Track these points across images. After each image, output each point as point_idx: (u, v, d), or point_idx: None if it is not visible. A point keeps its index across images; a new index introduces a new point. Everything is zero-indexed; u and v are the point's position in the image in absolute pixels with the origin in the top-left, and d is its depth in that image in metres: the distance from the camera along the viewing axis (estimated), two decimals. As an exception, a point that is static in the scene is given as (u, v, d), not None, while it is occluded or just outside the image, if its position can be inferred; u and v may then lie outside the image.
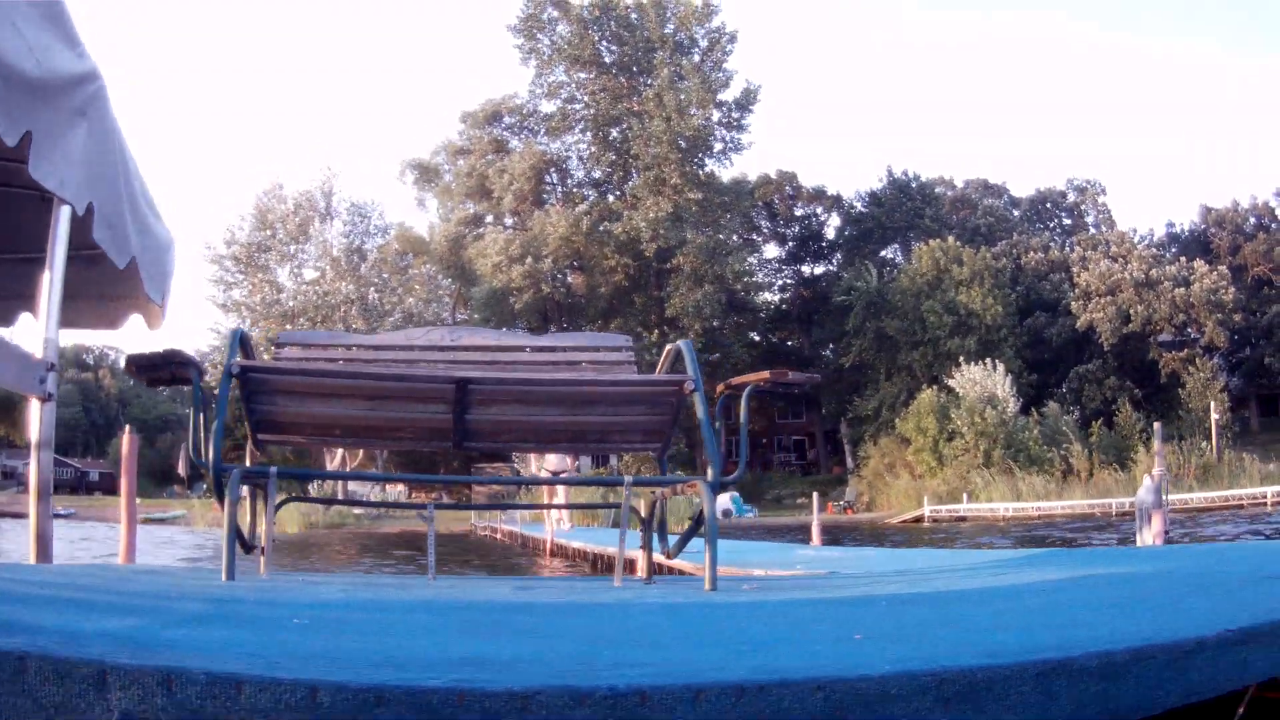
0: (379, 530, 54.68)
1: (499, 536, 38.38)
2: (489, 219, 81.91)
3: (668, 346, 6.82)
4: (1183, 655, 2.40)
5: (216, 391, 5.87)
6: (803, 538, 36.42)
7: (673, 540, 7.12)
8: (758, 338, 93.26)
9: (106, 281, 6.92)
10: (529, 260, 73.88)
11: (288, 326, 65.53)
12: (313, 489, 39.74)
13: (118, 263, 6.13)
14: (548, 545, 26.07)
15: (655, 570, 7.45)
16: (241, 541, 6.45)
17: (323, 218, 71.99)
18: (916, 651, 2.53)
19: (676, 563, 11.16)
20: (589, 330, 79.84)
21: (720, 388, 6.86)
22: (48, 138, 4.75)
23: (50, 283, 5.74)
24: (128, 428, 13.98)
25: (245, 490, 6.76)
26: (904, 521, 51.47)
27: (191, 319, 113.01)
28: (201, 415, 5.86)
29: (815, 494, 23.74)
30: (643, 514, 7.24)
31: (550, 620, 3.89)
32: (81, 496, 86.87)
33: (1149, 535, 10.91)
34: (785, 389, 7.12)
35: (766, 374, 6.52)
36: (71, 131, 5.11)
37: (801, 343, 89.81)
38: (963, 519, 49.62)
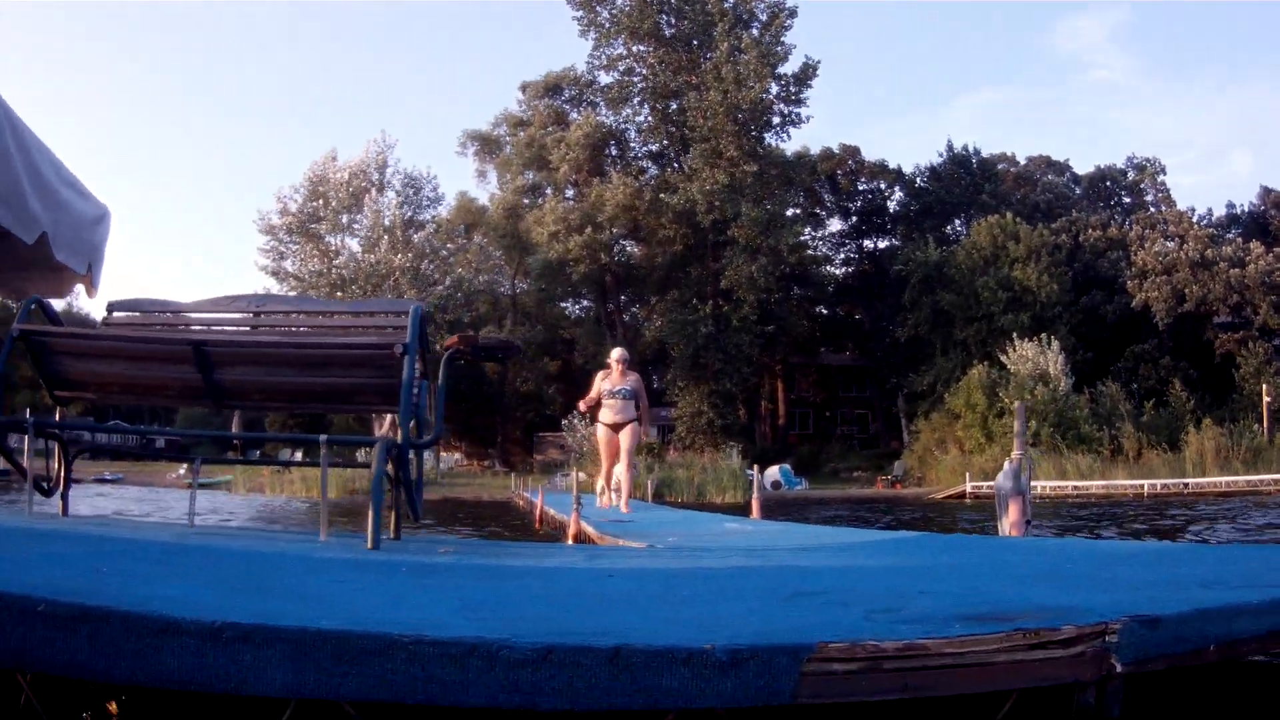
0: (424, 497, 54.65)
1: (521, 504, 38.48)
2: (548, 189, 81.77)
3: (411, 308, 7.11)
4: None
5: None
6: (845, 511, 36.68)
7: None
8: (825, 311, 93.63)
9: (38, 254, 7.07)
10: (587, 230, 73.84)
11: (339, 295, 66.00)
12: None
13: (25, 239, 6.39)
14: (537, 513, 26.25)
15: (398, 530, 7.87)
16: (39, 487, 7.28)
17: (377, 188, 71.97)
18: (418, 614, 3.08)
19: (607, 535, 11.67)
20: (655, 302, 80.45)
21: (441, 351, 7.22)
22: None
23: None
24: None
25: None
26: (947, 497, 51.33)
27: (247, 288, 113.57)
28: None
29: (755, 468, 23.69)
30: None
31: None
32: None
33: (1006, 524, 10.81)
34: (485, 354, 7.54)
35: (456, 338, 7.12)
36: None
37: (864, 316, 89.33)
38: (1004, 496, 49.42)
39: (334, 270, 68.48)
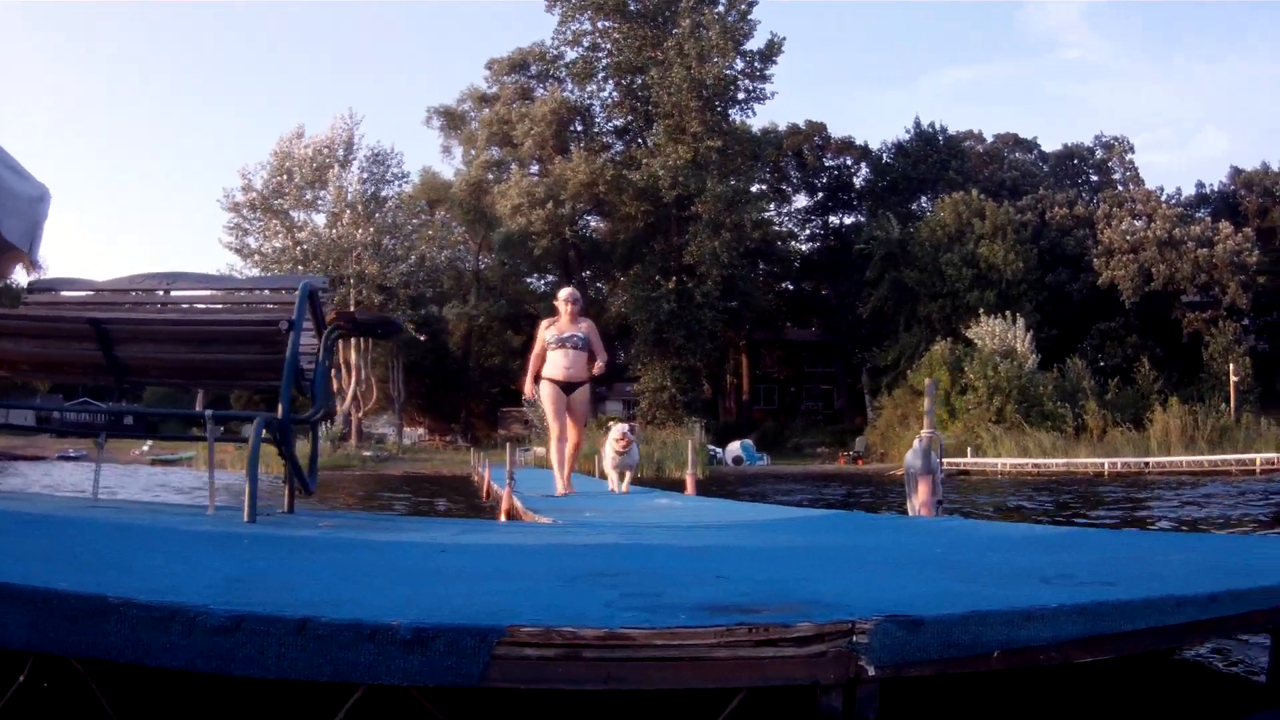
0: (382, 472, 54.78)
1: (477, 479, 38.43)
2: (512, 165, 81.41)
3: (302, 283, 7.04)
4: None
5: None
6: (802, 487, 36.52)
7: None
8: (790, 286, 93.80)
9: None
10: (549, 204, 73.99)
11: (300, 269, 66.16)
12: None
13: None
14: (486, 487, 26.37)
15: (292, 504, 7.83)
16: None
17: (341, 164, 72.14)
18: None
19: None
20: (620, 277, 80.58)
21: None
22: None
23: None
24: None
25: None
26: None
27: (211, 266, 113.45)
28: None
29: (691, 443, 23.26)
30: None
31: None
32: None
33: (916, 503, 10.48)
34: (365, 330, 7.50)
35: (334, 313, 7.17)
36: None
37: (829, 292, 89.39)
38: (965, 473, 49.37)
39: (297, 246, 68.51)
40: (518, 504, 13.07)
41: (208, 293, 8.40)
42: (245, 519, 6.20)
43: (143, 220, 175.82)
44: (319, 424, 7.74)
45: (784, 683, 2.59)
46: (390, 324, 8.37)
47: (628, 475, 15.07)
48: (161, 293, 8.07)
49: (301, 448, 7.86)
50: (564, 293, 13.62)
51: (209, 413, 6.65)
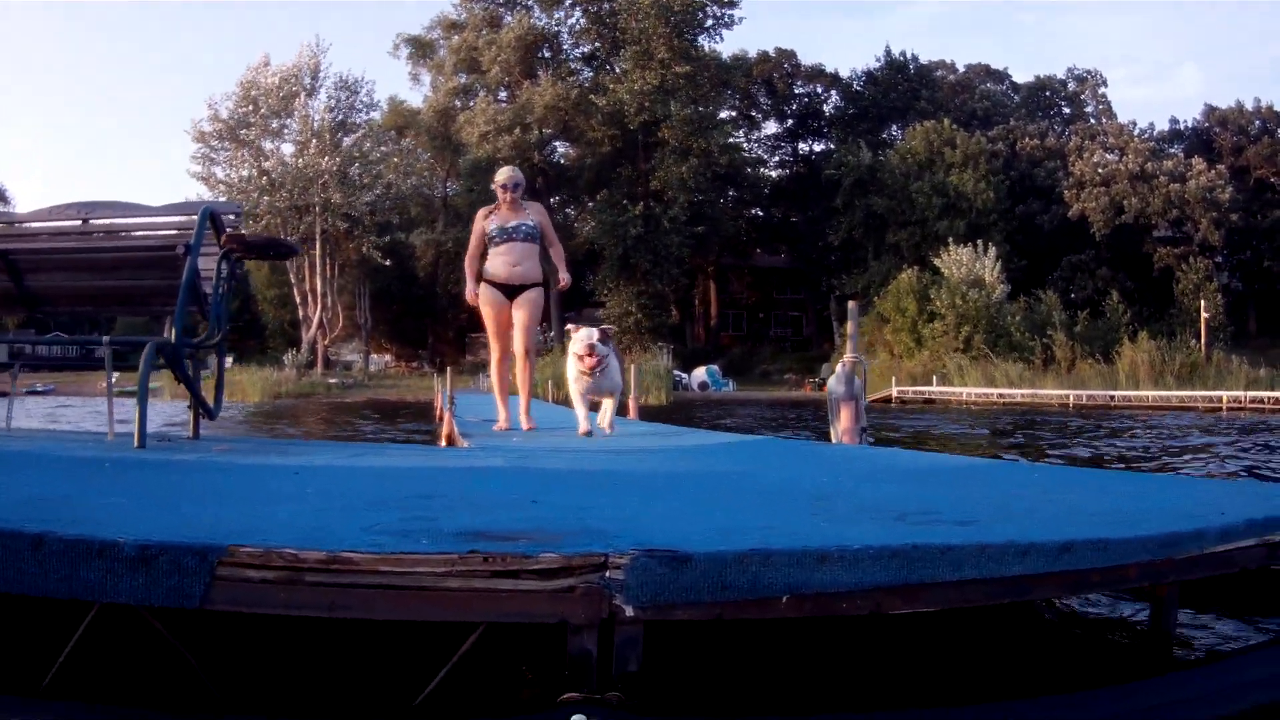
0: (346, 399, 54.53)
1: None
2: (480, 91, 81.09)
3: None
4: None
5: None
6: (760, 413, 36.43)
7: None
8: (760, 213, 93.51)
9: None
10: (516, 130, 73.75)
11: (265, 199, 66.09)
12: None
13: None
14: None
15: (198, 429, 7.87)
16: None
17: (308, 92, 72.31)
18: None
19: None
20: (588, 203, 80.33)
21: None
22: None
23: None
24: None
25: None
26: (873, 400, 51.13)
27: (179, 196, 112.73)
28: None
29: (634, 368, 22.98)
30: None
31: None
32: None
33: (839, 430, 10.23)
34: (257, 253, 7.40)
35: (226, 236, 7.05)
36: None
37: (799, 219, 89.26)
38: (930, 401, 49.54)
39: (263, 176, 68.47)
40: (455, 428, 12.72)
41: (124, 222, 8.20)
42: (135, 445, 6.19)
43: (118, 155, 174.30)
44: (220, 348, 7.54)
45: (526, 619, 2.36)
46: (281, 244, 8.27)
47: (608, 406, 9.77)
48: (79, 223, 7.90)
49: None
50: (502, 174, 10.42)
51: (105, 339, 6.62)
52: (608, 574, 2.32)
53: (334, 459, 6.22)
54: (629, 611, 2.33)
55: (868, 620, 2.69)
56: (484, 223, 10.34)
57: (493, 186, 10.37)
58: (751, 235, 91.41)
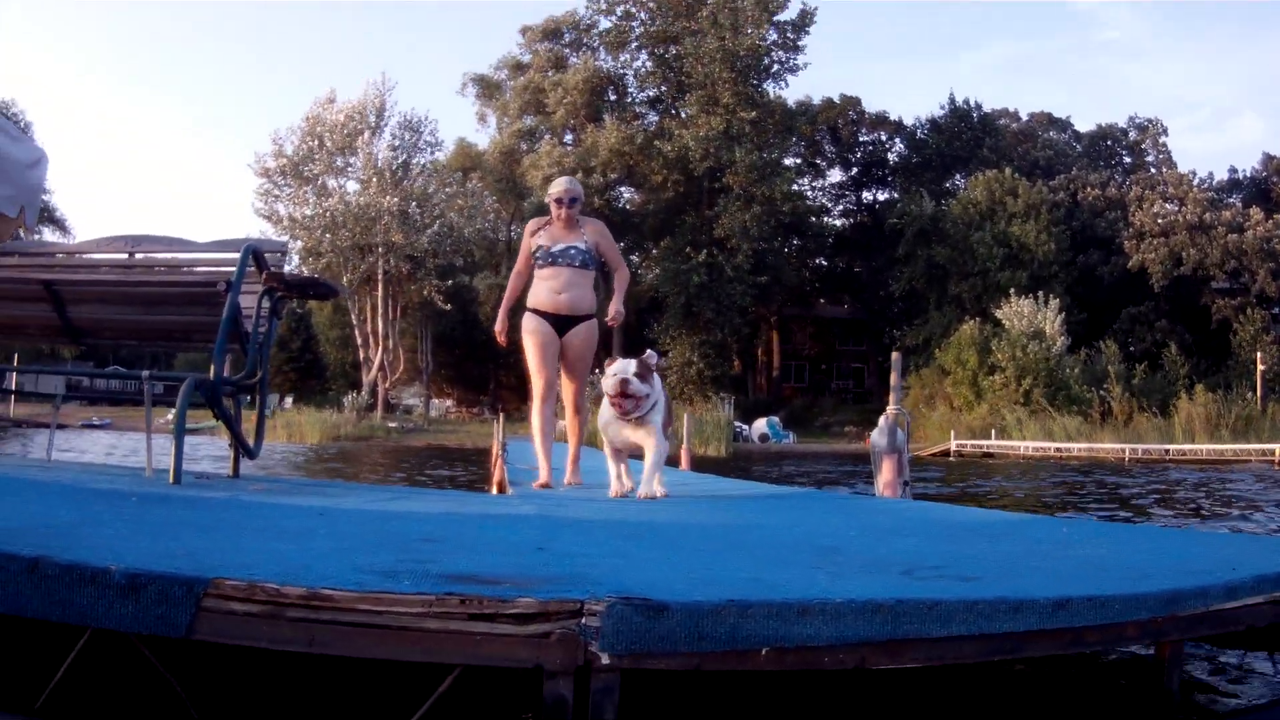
0: (405, 443, 54.66)
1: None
2: (545, 134, 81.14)
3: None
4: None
5: None
6: (818, 466, 36.31)
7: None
8: (823, 262, 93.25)
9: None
10: (580, 174, 72.84)
11: (328, 237, 66.42)
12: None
13: None
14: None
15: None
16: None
17: (373, 130, 72.43)
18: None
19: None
20: (651, 249, 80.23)
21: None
22: None
23: None
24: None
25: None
26: (931, 455, 50.90)
27: (244, 232, 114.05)
28: None
29: (687, 417, 22.81)
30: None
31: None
32: None
33: (880, 483, 10.13)
34: (298, 291, 7.42)
35: (266, 274, 7.10)
36: None
37: (862, 269, 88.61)
38: (989, 455, 49.11)
39: (326, 213, 68.76)
40: (505, 476, 12.75)
41: (167, 256, 8.18)
42: (170, 481, 6.18)
43: (181, 188, 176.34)
44: (260, 386, 7.58)
45: (502, 663, 2.40)
46: (321, 285, 8.21)
47: (650, 456, 7.35)
48: (125, 256, 7.95)
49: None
50: (557, 185, 8.86)
51: (146, 374, 6.65)
52: (584, 620, 2.36)
53: (362, 502, 6.24)
54: (605, 659, 2.36)
55: (855, 672, 2.68)
56: (531, 239, 8.85)
57: (546, 199, 8.93)
58: (815, 285, 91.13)
